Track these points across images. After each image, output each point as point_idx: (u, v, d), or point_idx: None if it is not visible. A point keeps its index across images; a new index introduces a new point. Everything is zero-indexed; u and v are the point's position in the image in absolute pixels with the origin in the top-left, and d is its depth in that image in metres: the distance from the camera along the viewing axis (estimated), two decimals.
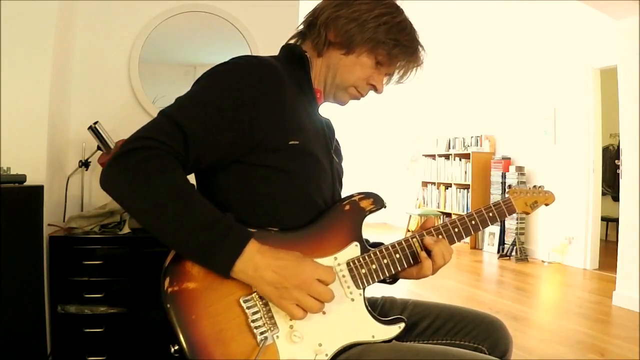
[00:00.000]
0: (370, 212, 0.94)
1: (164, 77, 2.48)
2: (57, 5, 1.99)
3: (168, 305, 0.76)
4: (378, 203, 0.95)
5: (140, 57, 2.38)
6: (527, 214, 1.07)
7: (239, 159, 0.86)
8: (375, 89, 1.02)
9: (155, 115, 2.70)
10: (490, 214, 1.02)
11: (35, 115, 1.93)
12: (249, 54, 2.49)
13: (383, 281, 1.04)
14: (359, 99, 1.05)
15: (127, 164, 0.75)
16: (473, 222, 1.00)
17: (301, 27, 1.03)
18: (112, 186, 0.77)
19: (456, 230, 0.99)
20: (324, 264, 0.85)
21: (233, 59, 0.89)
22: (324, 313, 0.83)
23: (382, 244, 0.98)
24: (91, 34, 2.33)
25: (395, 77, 1.04)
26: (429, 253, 0.95)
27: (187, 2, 2.45)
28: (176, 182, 0.76)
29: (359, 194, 0.95)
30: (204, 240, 0.75)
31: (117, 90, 2.37)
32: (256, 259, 0.77)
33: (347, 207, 0.93)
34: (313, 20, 0.99)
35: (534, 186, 1.10)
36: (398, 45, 0.96)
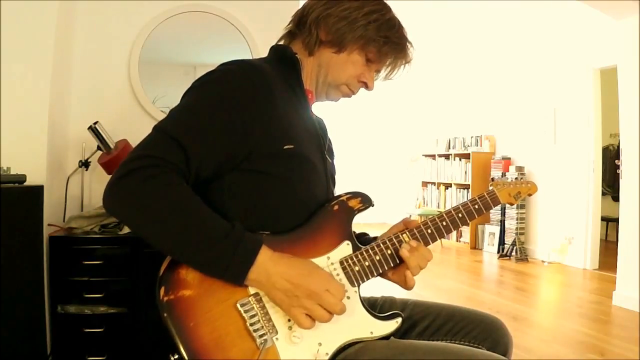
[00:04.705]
0: (359, 211, 0.94)
1: (164, 77, 2.48)
2: (57, 5, 1.99)
3: (165, 315, 0.76)
4: (366, 202, 0.95)
5: (140, 57, 2.38)
6: (512, 204, 1.09)
7: (235, 166, 0.86)
8: (366, 86, 1.02)
9: (154, 114, 2.69)
10: (476, 206, 1.02)
11: (35, 115, 1.93)
12: (248, 54, 2.51)
13: (381, 275, 1.03)
14: (350, 97, 1.05)
15: (127, 187, 0.74)
16: (460, 215, 1.00)
17: (290, 26, 1.03)
18: (116, 211, 0.76)
19: (444, 223, 0.99)
20: (321, 266, 0.85)
21: (222, 64, 0.88)
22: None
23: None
24: (91, 34, 2.33)
25: (383, 73, 1.04)
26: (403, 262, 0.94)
27: (187, 2, 2.45)
28: (179, 198, 0.76)
29: (347, 193, 0.95)
30: (216, 253, 0.75)
31: (117, 90, 2.37)
32: (269, 267, 0.78)
33: (336, 207, 0.93)
34: (303, 19, 0.98)
35: (515, 178, 1.11)
36: (388, 43, 0.97)
